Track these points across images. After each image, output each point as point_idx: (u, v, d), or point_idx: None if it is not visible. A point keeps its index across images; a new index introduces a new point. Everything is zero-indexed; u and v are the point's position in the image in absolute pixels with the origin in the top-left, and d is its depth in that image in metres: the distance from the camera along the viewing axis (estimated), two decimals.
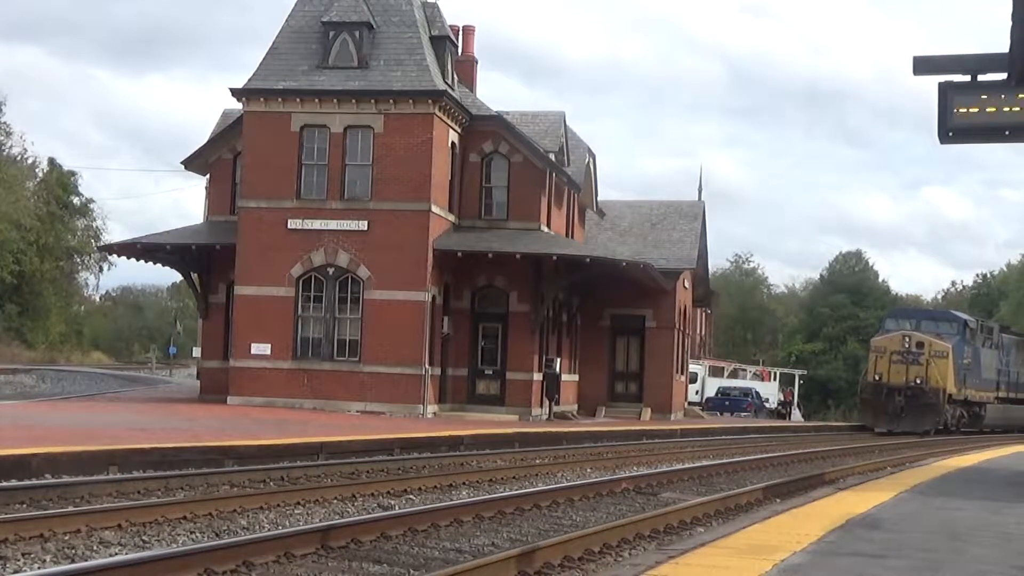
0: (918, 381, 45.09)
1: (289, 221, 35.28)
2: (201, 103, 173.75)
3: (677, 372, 47.01)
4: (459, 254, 35.87)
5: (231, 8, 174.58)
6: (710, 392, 67.15)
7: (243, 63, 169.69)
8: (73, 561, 9.64)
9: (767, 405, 67.90)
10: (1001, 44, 13.09)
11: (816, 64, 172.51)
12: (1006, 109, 13.58)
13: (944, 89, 13.79)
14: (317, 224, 35.23)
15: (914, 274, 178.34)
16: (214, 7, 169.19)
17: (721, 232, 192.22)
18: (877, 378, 46.07)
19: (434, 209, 35.23)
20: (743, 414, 62.36)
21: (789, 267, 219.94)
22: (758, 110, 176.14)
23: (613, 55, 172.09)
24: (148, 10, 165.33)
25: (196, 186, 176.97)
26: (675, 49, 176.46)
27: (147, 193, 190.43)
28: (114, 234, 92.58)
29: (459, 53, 39.50)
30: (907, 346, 45.72)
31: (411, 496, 15.55)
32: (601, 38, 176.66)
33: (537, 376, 37.67)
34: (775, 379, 79.44)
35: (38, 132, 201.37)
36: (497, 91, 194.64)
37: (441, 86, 35.39)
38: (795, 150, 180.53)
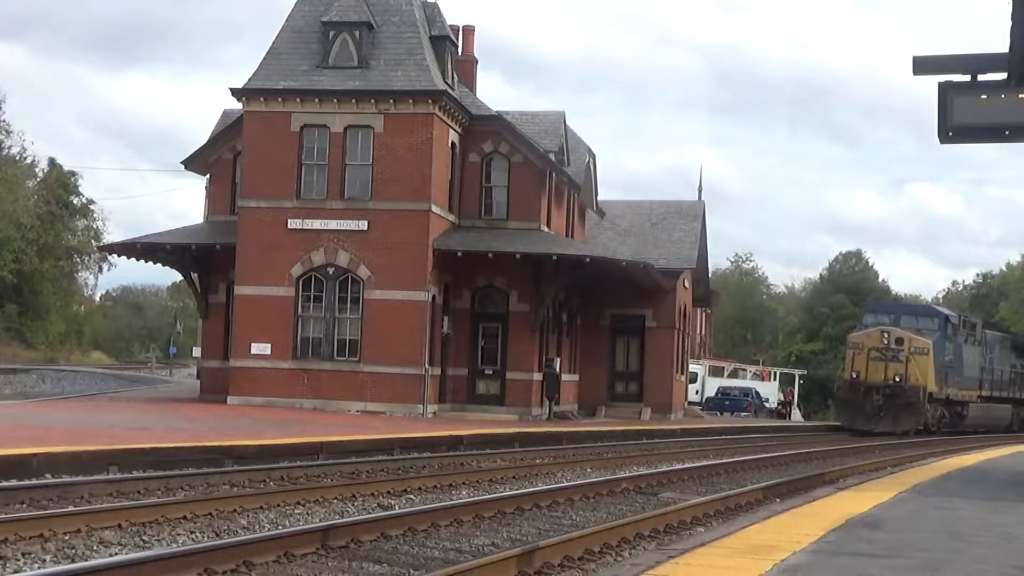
0: (897, 379, 43.28)
1: (289, 221, 35.29)
2: (183, 100, 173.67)
3: (677, 372, 47.00)
4: (459, 254, 35.86)
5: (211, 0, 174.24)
6: (710, 392, 67.14)
7: (226, 59, 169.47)
8: (73, 561, 9.63)
9: (767, 405, 67.90)
10: (981, 38, 13.13)
11: (797, 60, 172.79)
12: (1006, 109, 13.58)
13: (944, 89, 13.79)
14: (317, 224, 35.23)
15: (906, 272, 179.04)
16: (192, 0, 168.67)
17: (711, 230, 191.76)
18: (854, 376, 44.26)
19: (434, 209, 35.23)
20: (743, 414, 62.36)
21: (781, 266, 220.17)
22: (742, 107, 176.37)
23: (592, 52, 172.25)
24: (128, 5, 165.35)
25: (188, 185, 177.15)
26: (654, 45, 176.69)
27: (141, 193, 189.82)
28: (107, 233, 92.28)
29: (459, 53, 39.52)
30: (886, 342, 43.84)
31: (411, 496, 15.55)
32: (578, 35, 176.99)
33: (537, 376, 37.67)
34: (775, 379, 79.43)
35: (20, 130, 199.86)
36: (481, 89, 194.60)
37: (441, 86, 35.39)
38: (780, 147, 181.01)
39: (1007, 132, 13.89)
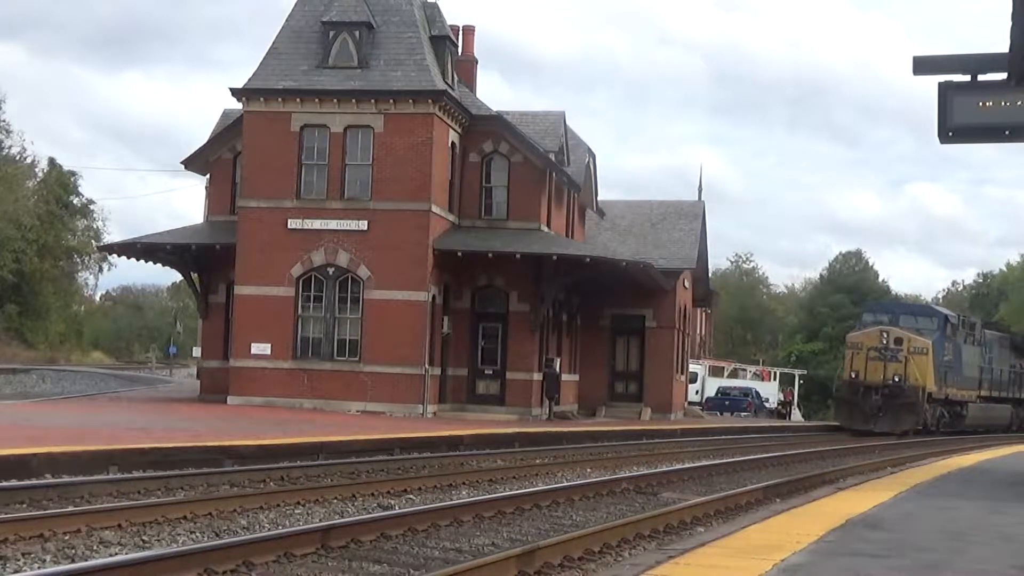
0: (896, 379, 43.11)
1: (289, 221, 35.29)
2: (182, 100, 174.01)
3: (677, 372, 47.00)
4: (459, 254, 35.86)
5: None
6: (710, 392, 67.14)
7: (225, 59, 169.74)
8: (73, 561, 9.63)
9: (767, 405, 67.90)
10: (981, 38, 13.15)
11: (796, 59, 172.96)
12: (1006, 109, 13.59)
13: (944, 89, 13.80)
14: (317, 224, 35.23)
15: (906, 272, 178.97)
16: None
17: (711, 230, 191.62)
18: (853, 376, 44.15)
19: (434, 209, 35.23)
20: (743, 414, 62.35)
21: (781, 266, 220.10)
22: (741, 107, 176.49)
23: (591, 52, 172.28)
24: (126, 5, 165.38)
25: (187, 185, 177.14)
26: (653, 45, 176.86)
27: (140, 193, 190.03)
28: (107, 233, 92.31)
29: (459, 53, 39.52)
30: (885, 342, 43.73)
31: (411, 496, 15.55)
32: (577, 34, 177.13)
33: (537, 376, 37.68)
34: (775, 379, 79.44)
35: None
36: (480, 89, 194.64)
37: (441, 86, 35.39)
38: (780, 147, 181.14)
39: (1007, 132, 13.90)
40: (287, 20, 36.80)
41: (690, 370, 54.73)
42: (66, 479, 14.72)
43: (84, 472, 15.62)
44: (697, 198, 59.83)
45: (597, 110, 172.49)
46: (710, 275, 57.24)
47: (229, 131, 37.98)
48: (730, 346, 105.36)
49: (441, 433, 25.80)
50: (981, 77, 13.81)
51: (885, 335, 44.13)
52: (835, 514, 11.52)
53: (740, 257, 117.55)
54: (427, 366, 34.82)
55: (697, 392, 64.22)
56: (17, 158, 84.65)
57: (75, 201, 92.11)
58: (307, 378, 35.06)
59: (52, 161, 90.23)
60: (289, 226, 35.26)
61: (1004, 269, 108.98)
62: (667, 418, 44.13)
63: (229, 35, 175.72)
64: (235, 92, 35.75)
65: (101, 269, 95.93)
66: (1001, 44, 13.33)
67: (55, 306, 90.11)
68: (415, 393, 34.60)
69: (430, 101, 34.83)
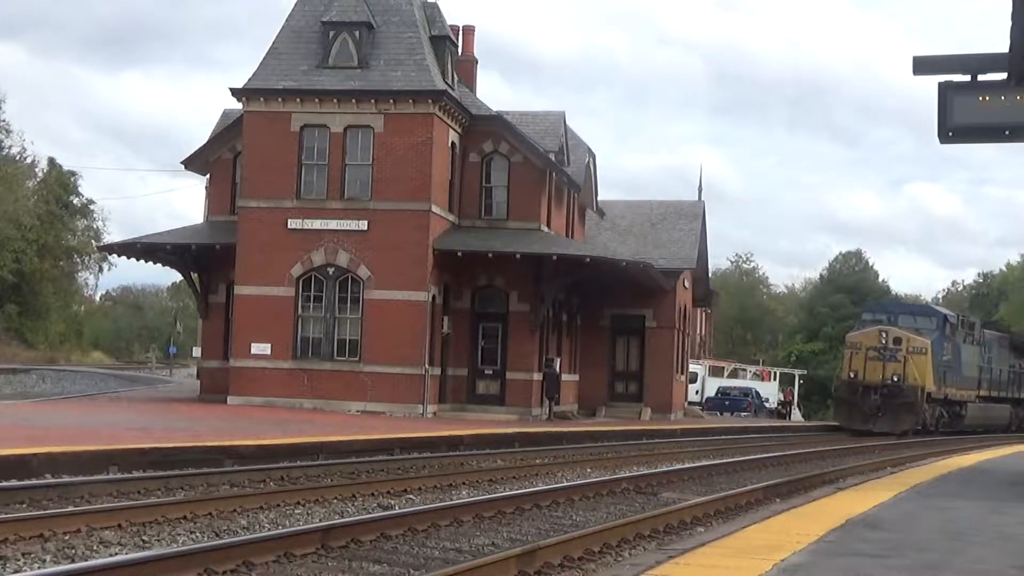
0: (895, 379, 43.05)
1: (289, 221, 35.30)
2: (181, 100, 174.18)
3: (677, 372, 46.99)
4: (459, 254, 35.86)
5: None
6: (710, 392, 67.14)
7: (225, 59, 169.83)
8: (73, 561, 9.63)
9: (767, 405, 67.90)
10: (981, 38, 13.16)
11: (795, 59, 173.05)
12: (1006, 109, 13.59)
13: (944, 89, 13.80)
14: (317, 224, 35.24)
15: (906, 272, 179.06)
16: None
17: (711, 230, 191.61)
18: (852, 376, 44.15)
19: (434, 209, 35.24)
20: (743, 414, 62.36)
21: (781, 266, 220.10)
22: (741, 107, 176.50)
23: (590, 52, 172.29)
24: (126, 5, 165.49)
25: (186, 185, 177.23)
26: (652, 45, 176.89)
27: (140, 193, 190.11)
28: (107, 233, 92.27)
29: (459, 53, 39.52)
30: (884, 342, 43.69)
31: (411, 496, 15.55)
32: (576, 34, 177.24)
33: (537, 376, 37.67)
34: (775, 379, 79.43)
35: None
36: (480, 89, 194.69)
37: (441, 86, 35.39)
38: (780, 147, 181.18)
39: (1007, 132, 13.91)
40: (287, 20, 36.80)
41: (690, 370, 54.72)
42: (66, 479, 14.72)
43: (84, 472, 15.63)
44: (697, 198, 59.86)
45: (597, 110, 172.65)
46: (710, 275, 57.22)
47: (229, 131, 37.98)
48: (730, 346, 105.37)
49: (441, 433, 25.81)
50: (981, 77, 13.81)
51: (884, 335, 44.07)
52: (835, 514, 11.52)
53: (740, 257, 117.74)
54: (427, 366, 34.82)
55: (697, 392, 64.22)
56: (17, 158, 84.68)
57: (75, 201, 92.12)
58: (307, 378, 35.06)
59: (52, 161, 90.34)
60: (289, 226, 35.27)
61: (1004, 269, 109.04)
62: (667, 418, 44.13)
63: (229, 35, 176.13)
64: (235, 92, 35.75)
65: (101, 269, 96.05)
66: (1001, 44, 13.34)
67: (55, 306, 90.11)
68: (415, 393, 34.60)
69: (430, 101, 34.83)
